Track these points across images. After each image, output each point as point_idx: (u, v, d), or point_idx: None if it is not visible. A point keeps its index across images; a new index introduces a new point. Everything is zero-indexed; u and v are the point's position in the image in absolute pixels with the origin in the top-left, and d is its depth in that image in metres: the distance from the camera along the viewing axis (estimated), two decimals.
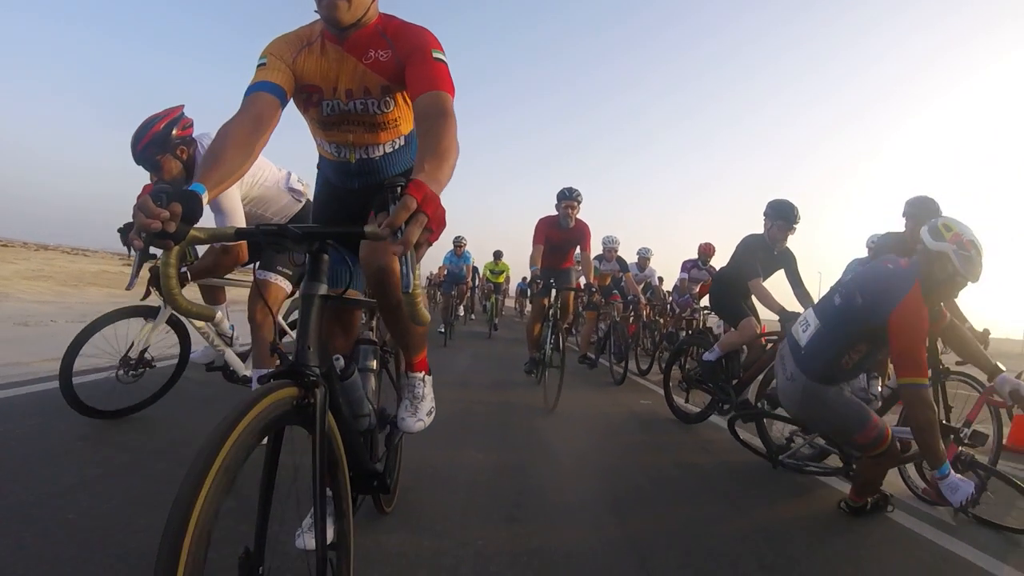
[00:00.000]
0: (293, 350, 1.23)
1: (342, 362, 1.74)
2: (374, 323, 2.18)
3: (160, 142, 2.83)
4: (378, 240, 1.11)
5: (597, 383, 6.75)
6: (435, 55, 1.57)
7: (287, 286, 3.16)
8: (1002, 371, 2.78)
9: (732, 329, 4.84)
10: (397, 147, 1.92)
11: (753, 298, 4.68)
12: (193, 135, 2.95)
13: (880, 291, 2.65)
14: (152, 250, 1.83)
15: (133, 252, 2.82)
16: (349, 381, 1.80)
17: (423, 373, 2.11)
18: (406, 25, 1.67)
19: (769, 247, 4.58)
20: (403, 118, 1.84)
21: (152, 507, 2.16)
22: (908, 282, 2.58)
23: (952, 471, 2.34)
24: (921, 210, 3.89)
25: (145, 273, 3.02)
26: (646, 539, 2.40)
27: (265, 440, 1.07)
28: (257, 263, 3.15)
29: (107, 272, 19.57)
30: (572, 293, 5.69)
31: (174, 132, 2.86)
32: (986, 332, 3.77)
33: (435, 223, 0.98)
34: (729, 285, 4.82)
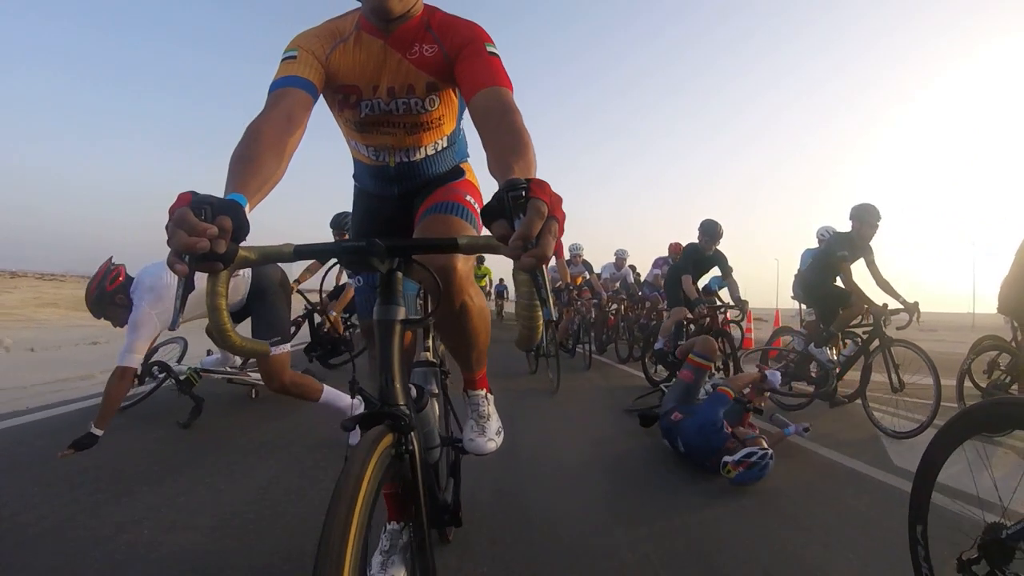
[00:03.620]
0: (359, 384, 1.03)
1: (413, 392, 1.52)
2: (430, 342, 1.83)
3: (98, 300, 3.07)
4: (497, 253, 0.90)
5: (577, 368, 7.23)
6: (489, 49, 1.37)
7: (286, 348, 3.22)
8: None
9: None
10: (439, 148, 1.69)
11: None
12: (127, 276, 3.12)
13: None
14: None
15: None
16: (423, 412, 1.51)
17: (485, 391, 1.85)
18: (453, 18, 1.46)
19: (702, 252, 5.91)
20: (447, 116, 1.61)
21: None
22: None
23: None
24: (864, 214, 4.67)
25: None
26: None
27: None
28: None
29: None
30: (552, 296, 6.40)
31: (106, 288, 3.08)
32: (915, 304, 4.33)
33: (560, 231, 0.80)
34: (672, 279, 6.10)
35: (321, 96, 1.45)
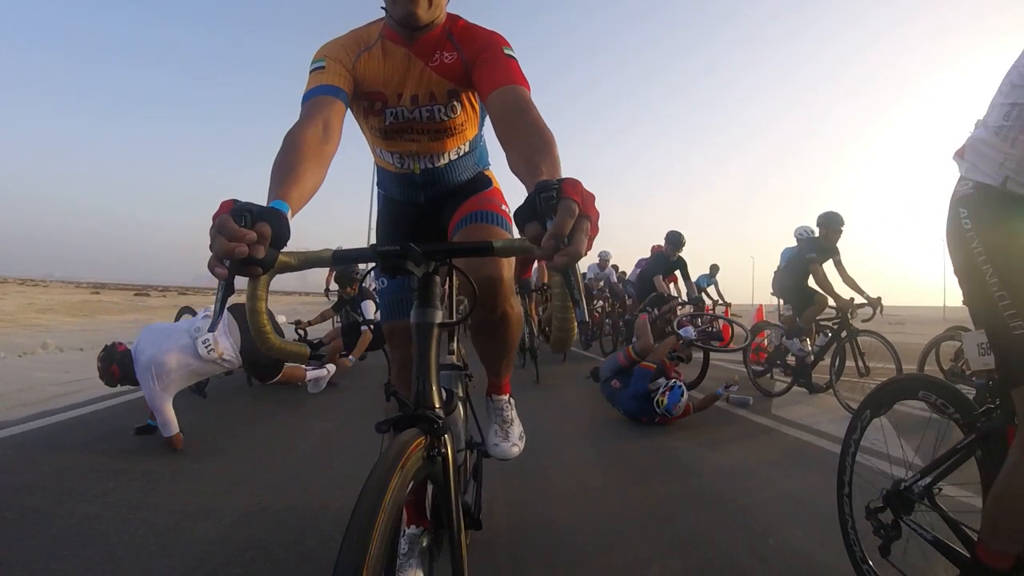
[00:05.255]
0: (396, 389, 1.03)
1: (444, 395, 1.53)
2: (455, 344, 1.77)
3: (110, 385, 3.25)
4: (531, 255, 0.90)
5: (556, 360, 7.71)
6: (506, 52, 1.38)
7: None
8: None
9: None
10: (462, 154, 1.70)
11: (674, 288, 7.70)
12: (120, 367, 3.19)
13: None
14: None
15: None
16: (451, 416, 1.44)
17: (508, 395, 1.88)
18: (474, 27, 1.48)
19: (667, 258, 7.02)
20: (468, 122, 1.63)
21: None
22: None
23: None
24: (829, 221, 5.25)
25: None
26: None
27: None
28: None
29: (90, 301, 19.36)
30: (534, 294, 7.48)
31: (111, 385, 3.26)
32: (879, 299, 4.83)
33: (594, 229, 0.79)
34: (645, 281, 7.13)
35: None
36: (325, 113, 1.26)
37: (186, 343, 3.18)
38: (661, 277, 6.86)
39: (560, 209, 0.75)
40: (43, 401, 4.31)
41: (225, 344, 3.29)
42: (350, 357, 5.30)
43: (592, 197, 0.79)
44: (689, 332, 4.85)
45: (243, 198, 0.88)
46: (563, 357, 7.72)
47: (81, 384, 4.89)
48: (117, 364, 3.15)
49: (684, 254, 7.21)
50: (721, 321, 6.68)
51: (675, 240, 6.98)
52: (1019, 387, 1.23)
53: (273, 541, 2.06)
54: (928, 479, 1.52)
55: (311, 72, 1.37)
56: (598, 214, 0.79)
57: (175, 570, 1.85)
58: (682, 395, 3.81)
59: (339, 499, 2.45)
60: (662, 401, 3.77)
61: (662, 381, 3.98)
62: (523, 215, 0.80)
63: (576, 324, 0.92)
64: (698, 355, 5.68)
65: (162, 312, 16.42)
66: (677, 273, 7.34)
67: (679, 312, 6.62)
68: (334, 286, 12.23)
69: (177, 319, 5.97)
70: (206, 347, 3.15)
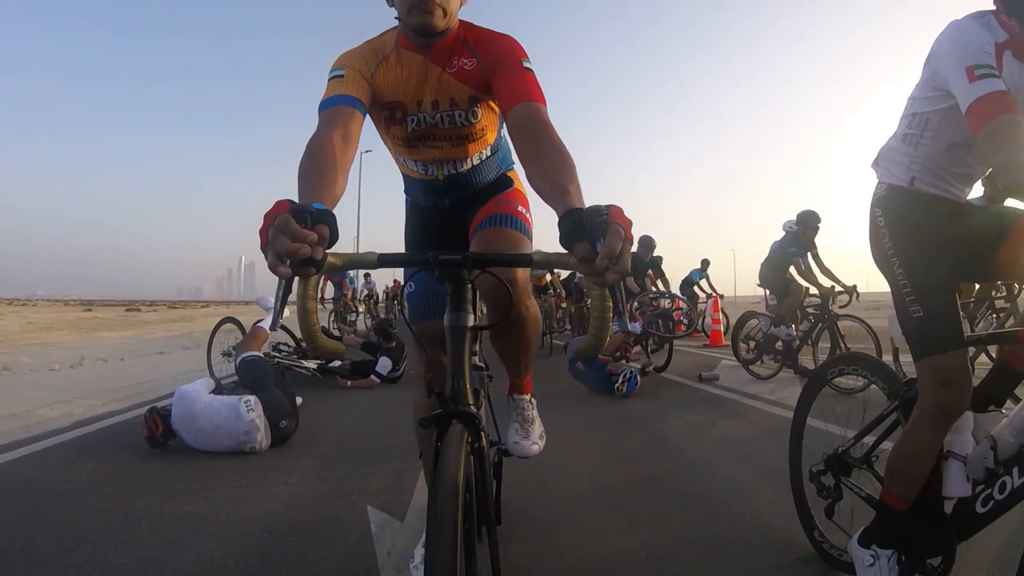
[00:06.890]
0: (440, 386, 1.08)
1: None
2: (477, 346, 1.80)
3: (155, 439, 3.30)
4: (571, 268, 0.99)
5: (541, 355, 8.10)
6: (525, 64, 1.42)
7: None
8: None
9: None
10: (484, 158, 1.73)
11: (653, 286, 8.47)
12: (164, 429, 3.27)
13: None
14: None
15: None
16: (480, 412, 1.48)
17: (530, 395, 1.92)
18: (489, 32, 1.51)
19: (642, 258, 8.09)
20: (489, 127, 1.65)
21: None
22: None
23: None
24: (806, 219, 5.88)
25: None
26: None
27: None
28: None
29: (85, 319, 19.30)
30: None
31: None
32: (854, 286, 5.35)
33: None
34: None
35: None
36: (344, 122, 1.31)
37: (229, 444, 3.25)
38: (632, 278, 7.82)
39: (610, 232, 0.85)
40: (132, 396, 4.93)
41: (261, 440, 3.33)
42: (348, 383, 5.47)
43: (630, 223, 0.89)
44: (636, 327, 6.05)
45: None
46: (550, 351, 8.44)
47: (153, 384, 5.62)
48: (166, 444, 3.31)
49: (665, 252, 8.29)
50: (679, 310, 7.36)
51: (646, 244, 8.31)
52: (919, 361, 1.49)
53: (304, 549, 2.04)
54: (862, 443, 1.77)
55: (330, 80, 1.40)
56: (632, 238, 0.89)
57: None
58: (637, 383, 4.94)
59: (357, 489, 2.59)
60: (622, 389, 4.88)
61: (622, 365, 5.25)
62: (572, 234, 0.90)
63: (610, 334, 1.01)
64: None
65: (157, 327, 16.43)
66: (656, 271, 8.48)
67: (652, 304, 7.38)
68: (329, 293, 12.47)
69: (214, 332, 5.81)
70: (248, 448, 3.27)
